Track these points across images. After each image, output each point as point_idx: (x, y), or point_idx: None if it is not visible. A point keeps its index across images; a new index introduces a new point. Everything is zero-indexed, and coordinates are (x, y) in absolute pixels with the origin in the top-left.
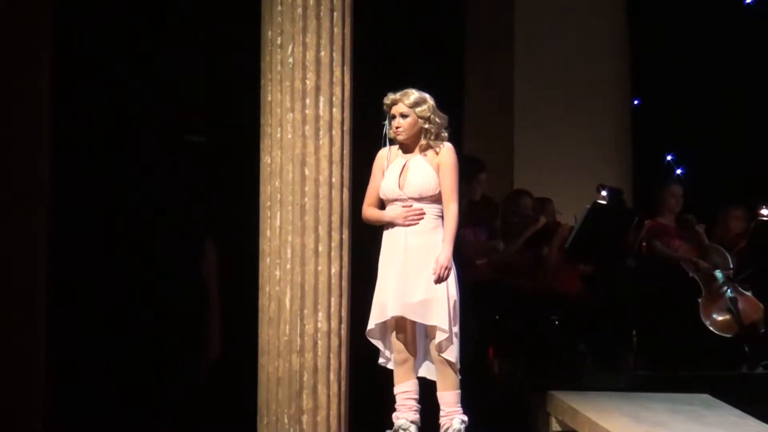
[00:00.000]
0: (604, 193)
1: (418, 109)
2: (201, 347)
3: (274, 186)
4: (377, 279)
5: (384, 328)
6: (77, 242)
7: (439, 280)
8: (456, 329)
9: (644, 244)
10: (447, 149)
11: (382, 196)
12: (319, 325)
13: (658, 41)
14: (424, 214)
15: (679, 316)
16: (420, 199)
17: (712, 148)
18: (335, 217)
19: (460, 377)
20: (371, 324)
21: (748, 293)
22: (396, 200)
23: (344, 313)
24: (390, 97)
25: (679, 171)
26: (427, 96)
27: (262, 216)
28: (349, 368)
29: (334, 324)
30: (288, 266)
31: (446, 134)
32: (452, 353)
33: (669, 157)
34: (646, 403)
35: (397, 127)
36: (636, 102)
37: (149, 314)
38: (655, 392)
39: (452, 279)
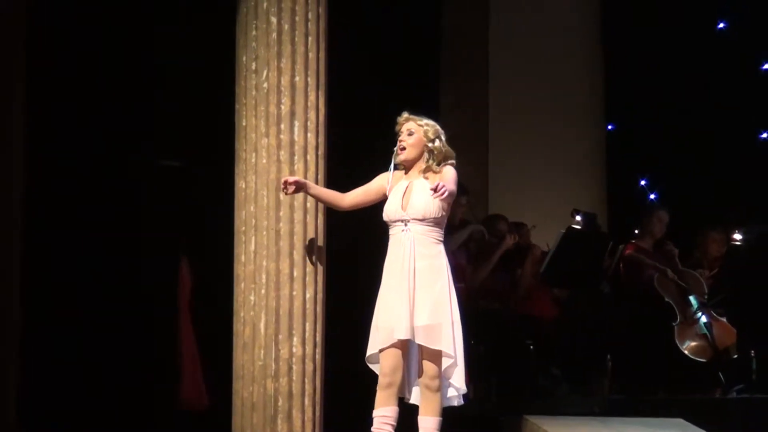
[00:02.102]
0: (578, 218)
1: (425, 128)
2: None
3: (249, 211)
4: (378, 303)
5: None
6: (51, 265)
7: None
8: (461, 354)
9: (621, 266)
10: (448, 168)
11: (385, 218)
12: (294, 350)
13: (631, 67)
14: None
15: (653, 340)
16: (423, 221)
17: (685, 172)
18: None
19: (464, 403)
20: (375, 348)
21: (723, 319)
22: (399, 221)
23: (319, 338)
24: (404, 115)
25: (652, 195)
26: (438, 125)
27: (237, 241)
28: (323, 393)
29: (309, 349)
30: (263, 291)
31: (453, 162)
32: (458, 379)
33: (642, 182)
34: (620, 427)
35: (401, 141)
36: (610, 127)
37: (123, 335)
38: (629, 417)
39: (455, 303)
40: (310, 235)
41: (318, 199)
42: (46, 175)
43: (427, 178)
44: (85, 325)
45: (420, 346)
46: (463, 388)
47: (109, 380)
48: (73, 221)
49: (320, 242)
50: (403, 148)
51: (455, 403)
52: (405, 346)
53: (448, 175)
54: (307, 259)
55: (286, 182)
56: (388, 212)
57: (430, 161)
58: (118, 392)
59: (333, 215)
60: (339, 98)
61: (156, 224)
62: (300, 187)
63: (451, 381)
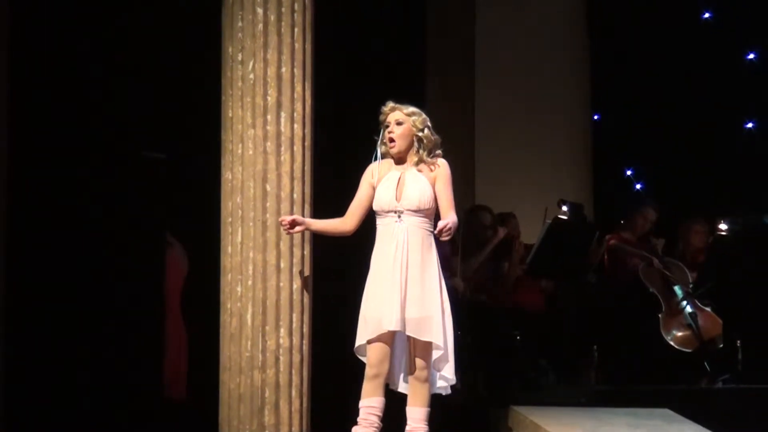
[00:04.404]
0: (564, 208)
1: (413, 119)
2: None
3: (236, 202)
4: (366, 294)
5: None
6: (32, 263)
7: (441, 231)
8: (451, 346)
9: (606, 257)
10: (445, 164)
11: (376, 208)
12: (281, 341)
13: (617, 56)
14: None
15: (639, 331)
16: (417, 212)
17: (671, 162)
18: (297, 233)
19: (450, 393)
20: (363, 340)
21: (708, 309)
22: (391, 212)
23: (306, 329)
24: (389, 105)
25: (638, 186)
26: (423, 113)
27: (223, 232)
28: (311, 384)
29: (296, 340)
30: (249, 282)
31: (440, 152)
32: (449, 370)
33: (629, 172)
34: (606, 417)
35: (390, 133)
36: (596, 117)
37: (108, 329)
38: (615, 407)
39: (445, 294)
40: None
41: (323, 233)
42: (29, 169)
43: (420, 170)
44: (70, 319)
45: (410, 337)
46: (453, 379)
47: (93, 373)
48: (57, 214)
49: (307, 233)
50: (393, 141)
51: (443, 392)
52: (392, 337)
53: (445, 173)
54: (294, 250)
55: (283, 222)
56: (381, 203)
57: (421, 151)
58: (103, 386)
59: (319, 206)
60: (324, 92)
61: (141, 217)
62: (299, 224)
63: (442, 372)
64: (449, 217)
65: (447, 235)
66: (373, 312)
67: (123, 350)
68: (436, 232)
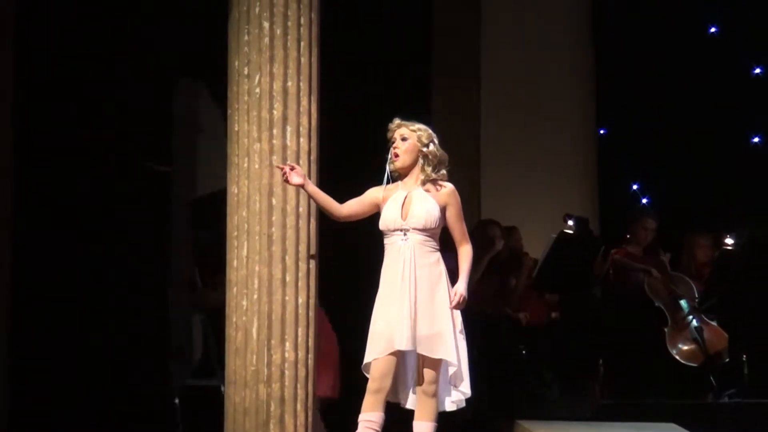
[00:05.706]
0: (570, 222)
1: (418, 134)
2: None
3: (241, 216)
4: (376, 311)
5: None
6: (36, 267)
7: (456, 307)
8: (465, 361)
9: (611, 272)
10: (453, 192)
11: (383, 228)
12: (287, 355)
13: (623, 70)
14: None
15: (645, 345)
16: (423, 230)
17: (676, 177)
18: (302, 247)
19: (464, 405)
20: (371, 358)
21: (714, 323)
22: (398, 230)
23: (311, 343)
24: (395, 122)
25: (644, 200)
26: (430, 129)
27: (229, 245)
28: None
29: (301, 354)
30: (255, 296)
31: (445, 172)
32: (467, 386)
33: (634, 186)
34: None
35: (395, 148)
36: (602, 131)
37: (110, 330)
38: (621, 421)
39: (457, 311)
40: (303, 239)
41: (314, 199)
42: (33, 170)
43: (428, 190)
44: (74, 320)
45: (420, 353)
46: (469, 393)
47: (97, 373)
48: (60, 216)
49: (313, 247)
50: (397, 155)
51: (455, 407)
52: (398, 354)
53: (457, 203)
54: (300, 264)
55: (283, 168)
56: (387, 221)
57: (426, 167)
58: (106, 385)
59: (328, 220)
60: (329, 102)
61: (144, 231)
62: (299, 176)
63: (459, 388)
64: (460, 288)
65: (461, 305)
66: (383, 331)
67: (125, 350)
68: (451, 306)
